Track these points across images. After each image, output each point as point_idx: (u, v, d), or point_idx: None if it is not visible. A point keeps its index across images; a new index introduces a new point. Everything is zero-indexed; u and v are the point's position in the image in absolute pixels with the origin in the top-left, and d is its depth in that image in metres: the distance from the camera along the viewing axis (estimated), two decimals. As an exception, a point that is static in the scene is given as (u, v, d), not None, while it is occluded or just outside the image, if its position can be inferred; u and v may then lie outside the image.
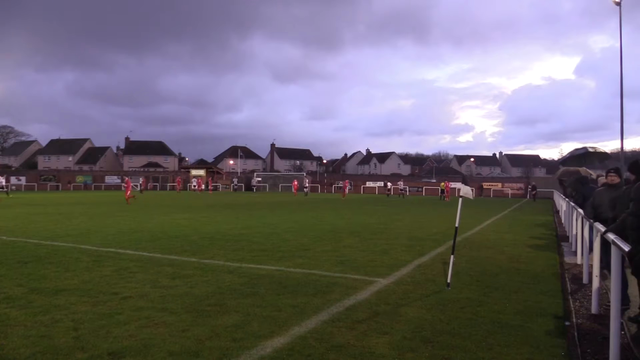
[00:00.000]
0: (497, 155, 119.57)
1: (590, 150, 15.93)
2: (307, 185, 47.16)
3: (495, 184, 59.05)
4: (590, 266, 6.33)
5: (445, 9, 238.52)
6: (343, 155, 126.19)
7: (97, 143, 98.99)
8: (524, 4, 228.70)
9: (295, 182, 48.97)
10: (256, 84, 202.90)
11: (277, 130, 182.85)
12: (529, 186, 48.56)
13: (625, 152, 30.58)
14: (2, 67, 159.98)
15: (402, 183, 49.53)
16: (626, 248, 3.34)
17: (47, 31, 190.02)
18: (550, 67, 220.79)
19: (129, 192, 27.25)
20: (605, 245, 4.57)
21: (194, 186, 53.04)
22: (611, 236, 3.71)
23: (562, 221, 16.75)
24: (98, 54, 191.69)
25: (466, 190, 6.57)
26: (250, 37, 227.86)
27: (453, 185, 48.10)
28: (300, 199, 37.04)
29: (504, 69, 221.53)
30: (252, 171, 79.35)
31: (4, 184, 38.88)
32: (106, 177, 65.60)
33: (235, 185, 60.58)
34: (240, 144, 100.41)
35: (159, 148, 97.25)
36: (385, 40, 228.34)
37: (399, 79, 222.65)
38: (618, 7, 22.02)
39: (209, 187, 54.00)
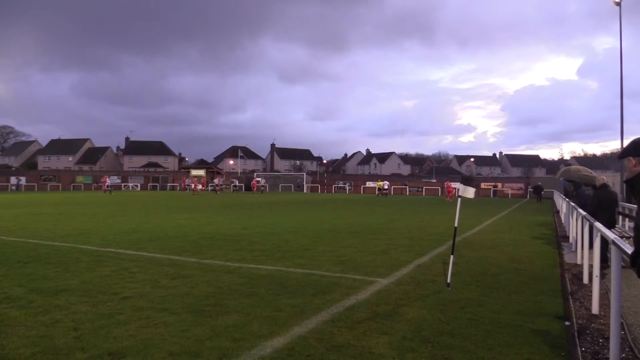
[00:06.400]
0: (497, 156, 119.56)
1: None
2: (263, 184, 55.09)
3: (496, 184, 58.86)
4: (590, 266, 6.33)
5: (452, 10, 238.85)
6: (343, 155, 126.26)
7: (100, 143, 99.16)
8: (529, 5, 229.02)
9: (254, 182, 55.83)
10: (261, 85, 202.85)
11: (279, 131, 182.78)
12: (532, 187, 48.01)
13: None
14: (7, 68, 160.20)
15: (387, 183, 49.64)
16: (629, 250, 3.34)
17: (52, 31, 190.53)
18: (553, 68, 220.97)
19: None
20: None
21: (192, 185, 52.66)
22: (611, 236, 3.70)
23: (562, 221, 16.75)
24: (104, 54, 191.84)
25: (467, 190, 6.56)
26: (258, 38, 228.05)
27: (454, 185, 47.86)
28: (300, 198, 37.07)
29: (507, 69, 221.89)
30: (252, 171, 79.33)
31: (109, 184, 47.56)
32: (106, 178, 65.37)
33: (213, 185, 52.83)
34: (241, 144, 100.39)
35: (159, 148, 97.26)
36: (392, 41, 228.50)
37: (403, 80, 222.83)
38: (622, 9, 22.08)
39: (196, 187, 51.57)
